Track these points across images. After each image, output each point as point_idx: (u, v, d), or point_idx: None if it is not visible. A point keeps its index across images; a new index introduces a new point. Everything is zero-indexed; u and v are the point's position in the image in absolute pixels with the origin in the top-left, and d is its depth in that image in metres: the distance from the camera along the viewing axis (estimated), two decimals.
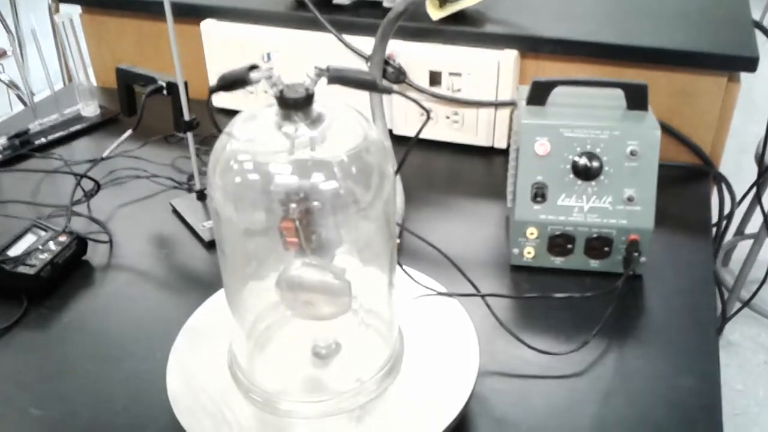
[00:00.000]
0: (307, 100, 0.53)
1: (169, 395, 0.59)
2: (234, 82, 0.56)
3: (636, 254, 0.76)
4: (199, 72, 1.15)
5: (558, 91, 0.80)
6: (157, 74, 0.89)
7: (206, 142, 1.01)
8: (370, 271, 0.61)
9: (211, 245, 0.85)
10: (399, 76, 1.01)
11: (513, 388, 0.66)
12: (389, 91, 0.58)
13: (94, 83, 1.26)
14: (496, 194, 0.93)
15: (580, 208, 0.77)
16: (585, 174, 0.76)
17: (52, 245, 0.79)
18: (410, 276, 0.71)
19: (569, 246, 0.78)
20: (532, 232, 0.78)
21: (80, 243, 0.82)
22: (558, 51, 1.00)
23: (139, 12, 1.19)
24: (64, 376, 0.68)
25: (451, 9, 1.02)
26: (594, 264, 0.79)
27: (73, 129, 1.11)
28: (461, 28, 1.01)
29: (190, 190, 0.95)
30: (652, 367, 0.68)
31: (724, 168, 1.02)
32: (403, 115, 1.06)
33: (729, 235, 1.89)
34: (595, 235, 0.77)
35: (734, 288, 1.75)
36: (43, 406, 0.65)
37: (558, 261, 0.79)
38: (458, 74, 1.00)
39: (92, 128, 1.13)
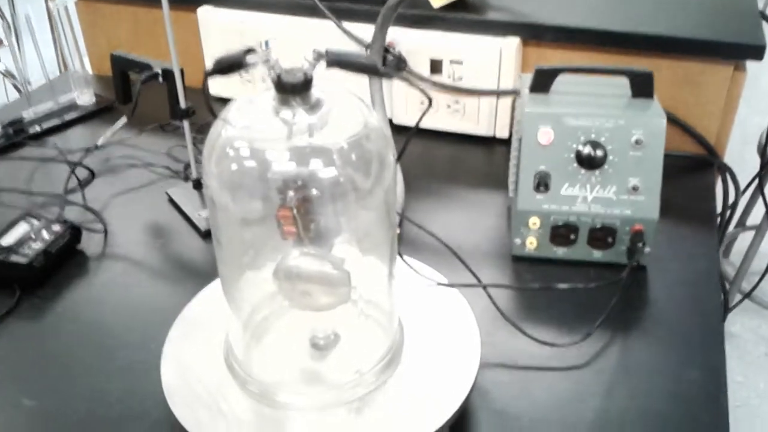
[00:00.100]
0: (306, 84, 0.52)
1: (163, 386, 0.58)
2: (230, 65, 0.54)
3: (640, 245, 0.75)
4: (196, 60, 1.14)
5: (561, 79, 0.78)
6: (153, 61, 0.87)
7: (203, 131, 0.99)
8: (369, 261, 0.60)
9: (207, 235, 0.84)
10: (399, 64, 1.00)
11: (515, 380, 0.65)
12: (390, 76, 0.57)
13: (90, 71, 1.25)
14: (498, 184, 0.92)
15: (584, 198, 0.75)
16: (589, 163, 0.75)
17: (45, 234, 0.78)
18: (410, 266, 0.70)
19: (572, 236, 0.77)
20: (534, 222, 0.77)
21: (74, 232, 0.81)
22: (561, 38, 0.98)
23: None
24: (58, 366, 0.67)
25: None
26: (597, 254, 0.78)
27: (67, 117, 1.10)
28: (462, 15, 1.00)
29: (186, 179, 0.94)
30: (655, 359, 0.67)
31: (728, 158, 1.00)
32: (404, 104, 1.04)
33: (730, 227, 1.88)
34: (598, 225, 0.76)
35: (735, 279, 1.75)
36: (36, 396, 0.64)
37: (561, 251, 0.78)
38: (459, 62, 0.99)
39: (87, 116, 1.11)
